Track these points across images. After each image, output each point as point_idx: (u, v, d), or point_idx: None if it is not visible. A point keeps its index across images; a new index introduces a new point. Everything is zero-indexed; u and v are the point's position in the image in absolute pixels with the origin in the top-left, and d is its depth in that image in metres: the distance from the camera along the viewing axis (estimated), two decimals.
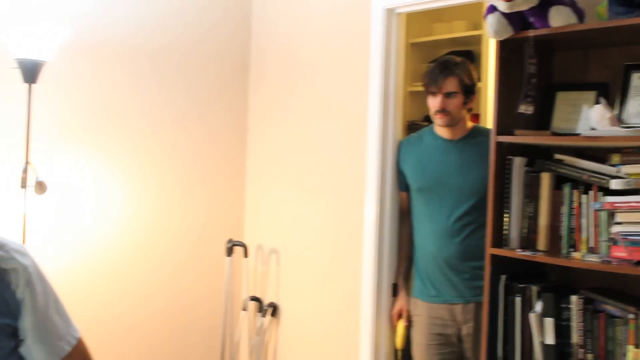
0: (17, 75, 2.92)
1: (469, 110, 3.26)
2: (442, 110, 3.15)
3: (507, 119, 2.73)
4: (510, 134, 2.72)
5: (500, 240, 2.76)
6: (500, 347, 2.75)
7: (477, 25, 4.41)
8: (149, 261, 3.59)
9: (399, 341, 3.36)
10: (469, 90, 3.19)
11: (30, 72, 2.90)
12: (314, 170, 3.62)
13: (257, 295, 3.85)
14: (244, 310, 3.82)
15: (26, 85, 2.92)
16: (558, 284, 2.79)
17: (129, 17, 3.48)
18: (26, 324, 1.57)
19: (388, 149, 3.37)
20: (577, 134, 2.60)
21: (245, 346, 3.89)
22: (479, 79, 3.58)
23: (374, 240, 3.37)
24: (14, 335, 1.57)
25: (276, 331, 3.79)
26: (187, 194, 3.71)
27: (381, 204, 3.36)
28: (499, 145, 2.72)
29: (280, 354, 3.78)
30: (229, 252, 3.77)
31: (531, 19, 2.58)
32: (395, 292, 3.43)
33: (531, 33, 2.57)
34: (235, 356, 3.86)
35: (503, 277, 2.76)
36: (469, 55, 4.48)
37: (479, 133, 3.25)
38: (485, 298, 2.75)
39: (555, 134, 2.72)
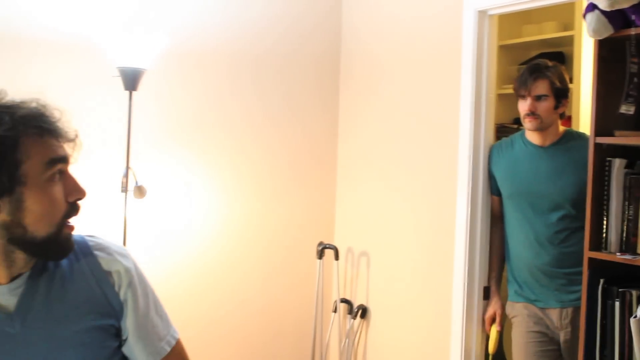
0: (119, 83, 2.94)
1: (562, 115, 3.14)
2: (532, 114, 3.05)
3: (605, 120, 2.62)
4: (610, 134, 2.60)
5: (599, 243, 2.65)
6: (598, 351, 2.64)
7: (568, 26, 4.26)
8: (244, 264, 3.59)
9: (492, 345, 3.27)
10: (561, 94, 3.08)
11: (131, 80, 2.93)
12: (404, 173, 3.56)
13: (347, 297, 3.79)
14: (334, 312, 3.77)
15: (127, 92, 2.95)
16: None
17: (226, 28, 3.51)
18: (128, 324, 1.58)
19: (480, 152, 3.28)
20: None
21: (336, 347, 3.84)
22: (571, 81, 3.45)
23: (466, 243, 3.28)
24: (117, 336, 1.57)
25: (366, 333, 3.74)
26: (280, 197, 3.70)
27: (472, 206, 3.27)
28: (598, 146, 2.61)
29: (370, 356, 3.72)
30: (320, 254, 3.73)
31: (633, 17, 2.46)
32: (486, 295, 3.33)
33: (633, 31, 2.45)
34: (326, 357, 3.82)
35: (601, 281, 2.64)
36: (560, 57, 4.35)
37: (571, 138, 3.14)
38: (583, 302, 2.64)
39: None
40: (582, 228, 3.00)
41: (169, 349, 1.65)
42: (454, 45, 3.33)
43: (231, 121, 3.52)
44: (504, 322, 3.31)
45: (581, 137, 3.14)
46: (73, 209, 1.48)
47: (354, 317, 3.72)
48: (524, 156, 3.16)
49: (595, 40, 2.58)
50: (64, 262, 1.54)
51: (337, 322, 3.83)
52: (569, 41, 4.23)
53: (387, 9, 3.70)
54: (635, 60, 2.49)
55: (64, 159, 1.46)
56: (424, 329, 3.45)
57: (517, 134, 3.29)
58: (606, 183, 2.64)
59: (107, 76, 2.98)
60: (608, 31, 2.51)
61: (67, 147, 1.49)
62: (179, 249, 3.37)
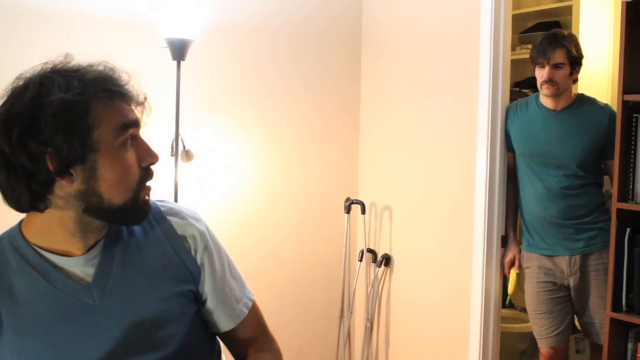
0: (167, 53, 2.67)
1: (574, 81, 2.93)
2: (550, 81, 2.86)
3: (632, 79, 2.38)
4: (636, 92, 2.37)
5: (626, 195, 2.44)
6: (624, 296, 2.44)
7: None
8: (279, 220, 3.35)
9: (512, 287, 3.12)
10: (576, 62, 2.89)
11: (179, 51, 2.65)
12: (425, 132, 3.33)
13: (372, 247, 3.57)
14: (360, 260, 3.57)
15: (174, 62, 2.67)
16: None
17: (265, 3, 3.24)
18: (206, 289, 1.37)
19: (497, 111, 3.04)
20: None
21: (362, 293, 3.64)
22: None
23: (485, 196, 3.06)
24: (196, 301, 1.36)
25: (389, 280, 3.54)
26: (309, 158, 3.46)
27: (491, 162, 3.05)
28: (625, 104, 2.38)
29: (393, 300, 3.53)
30: (348, 209, 3.50)
31: None
32: (504, 243, 3.14)
33: None
34: (353, 302, 3.62)
35: (628, 230, 2.43)
36: (556, 25, 4.09)
37: (582, 102, 2.95)
38: (612, 250, 2.45)
39: None
40: (588, 185, 2.88)
41: (247, 311, 1.44)
42: (473, 12, 3.07)
43: (268, 88, 3.27)
44: (521, 268, 3.11)
45: (591, 102, 2.96)
46: (147, 174, 1.25)
47: (379, 266, 3.51)
48: (537, 118, 2.96)
49: (623, 2, 2.34)
50: (138, 229, 1.32)
51: (363, 271, 3.62)
52: (565, 11, 3.97)
53: None
54: None
55: (136, 123, 1.23)
56: (446, 275, 3.26)
57: (531, 97, 3.10)
58: (633, 138, 2.42)
59: (156, 47, 2.70)
60: None
61: (137, 111, 1.25)
62: (220, 208, 3.14)
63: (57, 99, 1.12)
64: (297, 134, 3.40)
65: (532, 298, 3.02)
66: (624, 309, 2.43)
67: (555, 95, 2.88)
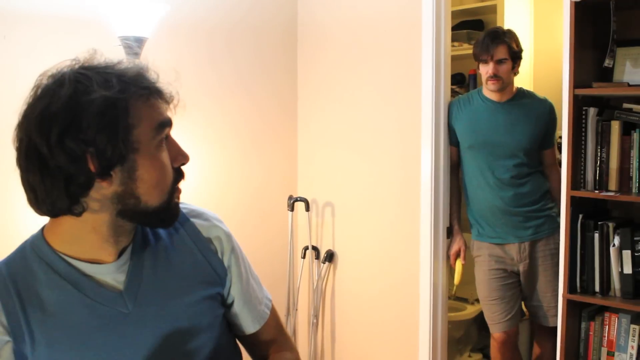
0: (121, 52, 2.58)
1: (515, 74, 3.10)
2: (494, 76, 3.02)
3: (580, 74, 2.56)
4: (585, 87, 2.55)
5: (577, 183, 2.61)
6: (578, 278, 2.62)
7: None
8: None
9: (457, 277, 3.25)
10: (517, 56, 3.07)
11: (133, 49, 2.57)
12: (367, 130, 3.41)
13: (316, 244, 3.62)
14: (303, 258, 3.61)
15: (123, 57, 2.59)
16: (623, 220, 2.66)
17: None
18: (233, 291, 1.37)
19: (440, 107, 3.17)
20: None
21: (306, 290, 3.68)
22: None
23: (431, 189, 3.18)
24: (222, 303, 1.36)
25: (333, 276, 3.59)
26: (248, 158, 3.43)
27: (436, 156, 3.17)
28: (576, 97, 2.55)
29: (338, 296, 3.59)
30: (292, 207, 3.53)
31: None
32: (448, 234, 3.26)
33: None
34: (297, 300, 3.64)
35: (580, 216, 2.61)
36: (479, 24, 4.30)
37: (523, 95, 3.14)
38: (566, 235, 2.62)
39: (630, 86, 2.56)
40: (534, 173, 3.05)
41: (269, 312, 1.45)
42: (413, 8, 3.17)
43: (208, 87, 3.22)
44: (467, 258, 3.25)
45: (531, 95, 3.17)
46: (179, 175, 1.23)
47: (322, 262, 3.57)
48: (483, 111, 3.11)
49: (572, 3, 2.50)
50: (163, 232, 1.30)
51: (306, 268, 3.65)
52: (488, 10, 4.18)
53: None
54: (614, 19, 2.43)
55: (170, 122, 1.20)
56: (392, 268, 3.36)
57: (472, 92, 3.27)
58: (583, 130, 2.60)
59: (110, 46, 2.60)
60: None
61: (169, 110, 1.22)
62: None
63: (100, 97, 1.08)
64: (237, 133, 3.37)
65: (484, 285, 3.15)
66: (579, 290, 2.60)
67: (499, 90, 3.04)
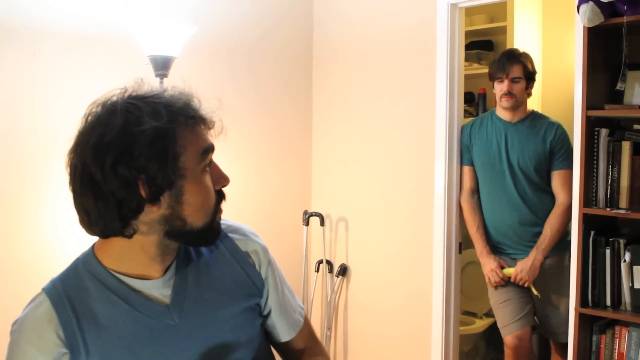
0: (149, 70, 2.70)
1: (528, 95, 3.23)
2: (509, 93, 3.14)
3: (592, 97, 2.69)
4: (597, 109, 2.67)
5: (589, 201, 2.73)
6: (590, 292, 2.73)
7: (495, 19, 4.36)
8: None
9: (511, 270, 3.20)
10: (530, 77, 3.19)
11: (161, 67, 2.69)
12: (381, 145, 3.54)
13: (329, 258, 3.72)
14: (317, 271, 3.71)
15: (157, 79, 2.70)
16: (633, 236, 2.78)
17: (239, 20, 3.37)
18: (271, 301, 1.45)
19: (454, 126, 3.31)
20: None
21: (318, 304, 3.78)
22: None
23: (444, 205, 3.30)
24: (260, 313, 1.44)
25: (346, 290, 3.70)
26: (265, 173, 3.56)
27: (449, 172, 3.29)
28: (588, 119, 2.67)
29: (351, 309, 3.70)
30: (307, 222, 3.64)
31: (624, 7, 2.52)
32: (460, 250, 3.37)
33: (626, 19, 2.51)
34: (311, 313, 3.74)
35: (592, 233, 2.73)
36: (489, 44, 4.43)
37: (535, 117, 3.27)
38: (579, 251, 2.73)
39: None
40: (544, 193, 3.14)
41: (302, 320, 1.54)
42: (428, 33, 3.32)
43: (228, 103, 3.31)
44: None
45: (543, 117, 3.29)
46: (221, 196, 1.32)
47: (336, 276, 3.67)
48: (496, 131, 3.23)
49: (585, 28, 2.63)
50: (204, 249, 1.39)
51: (320, 281, 3.76)
52: (498, 31, 4.31)
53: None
54: (626, 43, 2.56)
55: (213, 148, 1.30)
56: (405, 282, 3.46)
57: (486, 114, 3.40)
58: (595, 149, 2.71)
59: (140, 64, 2.72)
60: (600, 19, 2.57)
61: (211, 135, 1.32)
62: None
63: (151, 127, 1.17)
64: (255, 149, 3.49)
65: (494, 291, 3.24)
66: (590, 304, 2.71)
67: (513, 108, 3.16)
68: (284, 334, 1.50)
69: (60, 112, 2.65)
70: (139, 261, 1.27)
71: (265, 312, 1.46)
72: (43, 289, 1.27)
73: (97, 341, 1.23)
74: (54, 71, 2.66)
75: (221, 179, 1.32)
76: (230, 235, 1.44)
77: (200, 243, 1.33)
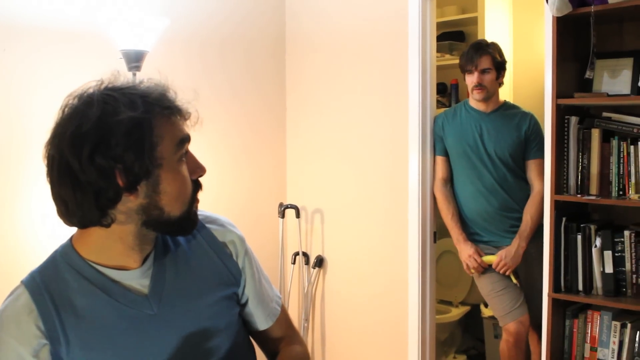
0: (122, 64, 2.68)
1: (500, 85, 3.26)
2: (479, 85, 3.18)
3: (562, 85, 2.73)
4: (566, 97, 2.72)
5: (561, 188, 2.77)
6: (562, 277, 2.78)
7: (466, 10, 4.40)
8: None
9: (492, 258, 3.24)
10: (500, 67, 3.24)
11: (134, 61, 2.68)
12: (355, 137, 3.56)
13: (305, 250, 3.74)
14: (293, 263, 3.73)
15: (130, 73, 2.69)
16: (603, 222, 2.83)
17: (212, 12, 3.37)
18: (247, 291, 1.48)
19: (427, 114, 3.34)
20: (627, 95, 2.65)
21: (295, 296, 3.80)
22: None
23: (418, 194, 3.34)
24: (238, 302, 1.47)
25: (323, 281, 3.72)
26: (239, 166, 3.55)
27: (423, 162, 3.33)
28: (558, 107, 2.71)
29: (327, 300, 3.72)
30: (282, 214, 3.65)
31: None
32: (435, 239, 3.40)
33: (594, 9, 2.55)
34: (288, 305, 3.75)
35: (563, 219, 2.77)
36: (460, 35, 4.47)
37: (508, 107, 3.32)
38: (551, 237, 2.78)
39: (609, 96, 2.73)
40: (520, 181, 3.19)
41: (279, 309, 1.57)
42: (400, 25, 3.34)
43: (201, 96, 3.31)
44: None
45: (515, 107, 3.34)
46: (197, 186, 1.35)
47: (312, 267, 3.69)
48: (470, 120, 3.27)
49: (554, 18, 2.66)
50: (181, 239, 1.41)
51: (296, 273, 3.77)
52: (469, 22, 4.35)
53: None
54: (594, 33, 2.60)
55: (189, 138, 1.32)
56: (381, 272, 3.49)
57: (458, 105, 3.45)
58: (565, 137, 2.76)
59: (112, 59, 2.71)
60: (568, 9, 2.60)
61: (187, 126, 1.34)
62: None
63: (127, 117, 1.19)
64: (228, 142, 3.49)
65: (485, 281, 3.26)
66: (563, 289, 2.76)
67: (485, 99, 3.20)
68: (261, 322, 1.52)
69: (35, 107, 2.63)
70: (117, 251, 1.28)
71: (243, 301, 1.48)
72: (22, 282, 1.28)
73: (76, 331, 1.24)
74: (27, 67, 2.63)
75: (197, 169, 1.33)
76: (208, 225, 1.45)
77: (178, 232, 1.35)
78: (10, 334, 1.22)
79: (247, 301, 1.48)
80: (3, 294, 1.29)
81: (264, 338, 1.56)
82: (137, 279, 1.30)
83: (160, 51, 2.95)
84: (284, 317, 1.58)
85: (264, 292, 1.51)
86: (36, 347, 1.22)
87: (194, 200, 1.32)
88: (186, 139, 1.29)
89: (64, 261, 1.29)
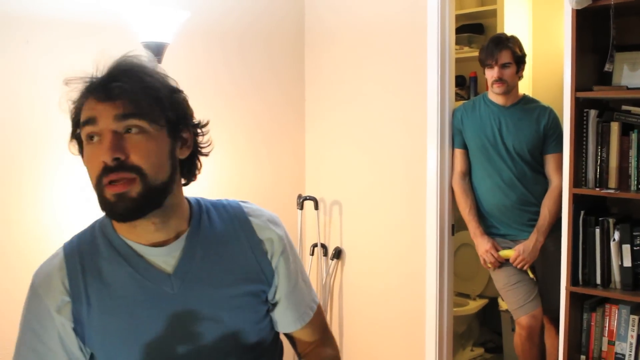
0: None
1: (519, 78, 3.26)
2: (499, 80, 3.17)
3: (581, 78, 2.72)
4: (586, 90, 2.71)
5: (579, 181, 2.77)
6: (580, 271, 2.77)
7: (485, 2, 4.39)
8: None
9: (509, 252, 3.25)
10: (520, 61, 3.22)
11: (154, 53, 2.71)
12: (373, 129, 3.56)
13: (324, 242, 3.76)
14: (312, 255, 3.75)
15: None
16: (622, 216, 2.82)
17: (231, 6, 3.39)
18: (280, 292, 1.46)
19: (446, 106, 3.32)
20: None
21: (315, 286, 3.81)
22: None
23: (436, 187, 3.33)
24: (266, 301, 1.46)
25: (341, 272, 3.74)
26: (259, 158, 3.58)
27: (441, 154, 3.32)
28: (577, 100, 2.71)
29: (346, 291, 3.74)
30: (301, 205, 3.67)
31: None
32: (453, 231, 3.41)
33: (613, 1, 2.53)
34: None
35: (582, 213, 2.77)
36: (480, 28, 4.45)
37: (528, 101, 3.31)
38: (569, 231, 2.77)
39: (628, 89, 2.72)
40: (539, 175, 3.18)
41: (312, 314, 1.55)
42: (419, 17, 3.33)
43: (221, 89, 3.35)
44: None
45: (535, 101, 3.33)
46: (105, 171, 1.30)
47: (331, 259, 3.71)
48: (490, 114, 3.27)
49: (573, 10, 2.65)
50: (220, 226, 1.42)
51: (314, 265, 3.80)
52: (488, 14, 4.34)
53: None
54: (614, 25, 2.58)
55: (94, 121, 1.32)
56: (399, 264, 3.50)
57: (477, 98, 3.44)
58: (584, 131, 2.75)
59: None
60: (587, 2, 2.59)
61: None
62: None
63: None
64: (248, 134, 3.51)
65: (500, 274, 3.27)
66: (581, 283, 2.76)
67: (504, 93, 3.20)
68: (289, 325, 1.51)
69: (57, 99, 2.66)
70: (139, 226, 1.32)
71: (273, 301, 1.47)
72: (63, 244, 1.38)
73: (98, 295, 1.31)
74: (50, 59, 2.67)
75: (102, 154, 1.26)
76: (250, 218, 1.46)
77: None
78: (42, 287, 1.31)
79: (277, 302, 1.47)
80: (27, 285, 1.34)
81: (293, 339, 1.57)
82: (162, 257, 1.34)
83: (180, 43, 2.98)
84: (317, 322, 1.57)
85: (297, 295, 1.50)
86: (59, 304, 1.30)
87: (100, 184, 1.25)
88: (89, 120, 1.27)
89: (100, 229, 1.37)
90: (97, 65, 1.32)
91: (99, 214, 1.32)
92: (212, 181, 3.26)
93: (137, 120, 1.25)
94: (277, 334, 1.54)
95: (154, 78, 1.32)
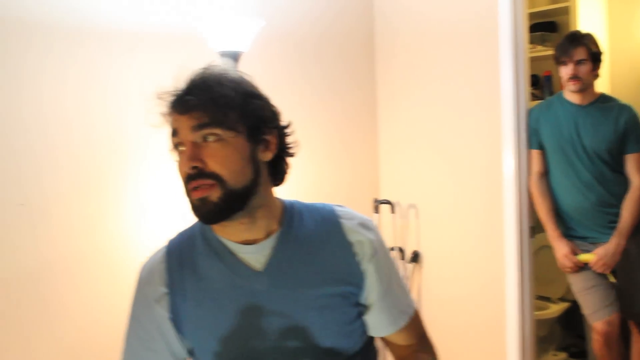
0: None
1: (596, 76, 3.19)
2: (574, 77, 3.12)
3: None
4: None
5: None
6: None
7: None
8: None
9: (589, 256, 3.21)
10: (596, 58, 3.15)
11: (230, 62, 2.76)
12: (447, 131, 3.53)
13: (401, 245, 3.75)
14: None
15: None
16: None
17: (306, 13, 3.45)
18: (371, 295, 1.46)
19: (522, 106, 3.25)
20: None
21: None
22: None
23: (514, 189, 3.26)
24: (357, 304, 1.45)
25: (420, 275, 3.71)
26: (335, 162, 3.61)
27: (519, 155, 3.26)
28: None
29: (425, 295, 3.71)
30: (377, 209, 3.68)
31: None
32: (532, 234, 3.34)
33: None
34: None
35: None
36: (552, 26, 4.38)
37: (605, 100, 3.24)
38: None
39: None
40: (618, 174, 3.10)
41: (407, 320, 1.54)
42: (490, 17, 3.28)
43: (299, 93, 3.40)
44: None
45: (613, 99, 3.26)
46: (189, 178, 1.40)
47: (408, 262, 3.69)
48: (566, 114, 3.21)
49: None
50: (311, 228, 1.44)
51: None
52: (561, 12, 4.26)
53: None
54: None
55: (176, 133, 1.43)
56: (478, 268, 3.46)
57: (553, 97, 3.39)
58: None
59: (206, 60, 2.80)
60: None
61: None
62: None
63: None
64: (325, 138, 3.54)
65: (577, 277, 3.20)
66: None
67: (580, 90, 3.13)
68: (382, 329, 1.52)
69: (132, 108, 2.76)
70: (233, 224, 1.37)
71: (366, 305, 1.47)
72: (168, 239, 1.49)
73: (193, 288, 1.39)
74: (123, 68, 2.77)
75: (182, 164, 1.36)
76: (343, 221, 1.47)
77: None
78: (144, 279, 1.43)
79: (370, 305, 1.48)
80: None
81: (388, 343, 1.58)
82: (253, 254, 1.39)
83: (255, 52, 3.03)
84: (413, 328, 1.57)
85: (391, 300, 1.50)
86: (159, 295, 1.40)
87: (188, 190, 1.34)
88: (174, 132, 1.36)
89: (200, 227, 1.45)
90: (177, 79, 1.39)
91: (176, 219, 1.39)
92: (291, 185, 3.30)
93: (212, 129, 1.31)
94: (372, 340, 1.54)
95: (227, 87, 1.36)
